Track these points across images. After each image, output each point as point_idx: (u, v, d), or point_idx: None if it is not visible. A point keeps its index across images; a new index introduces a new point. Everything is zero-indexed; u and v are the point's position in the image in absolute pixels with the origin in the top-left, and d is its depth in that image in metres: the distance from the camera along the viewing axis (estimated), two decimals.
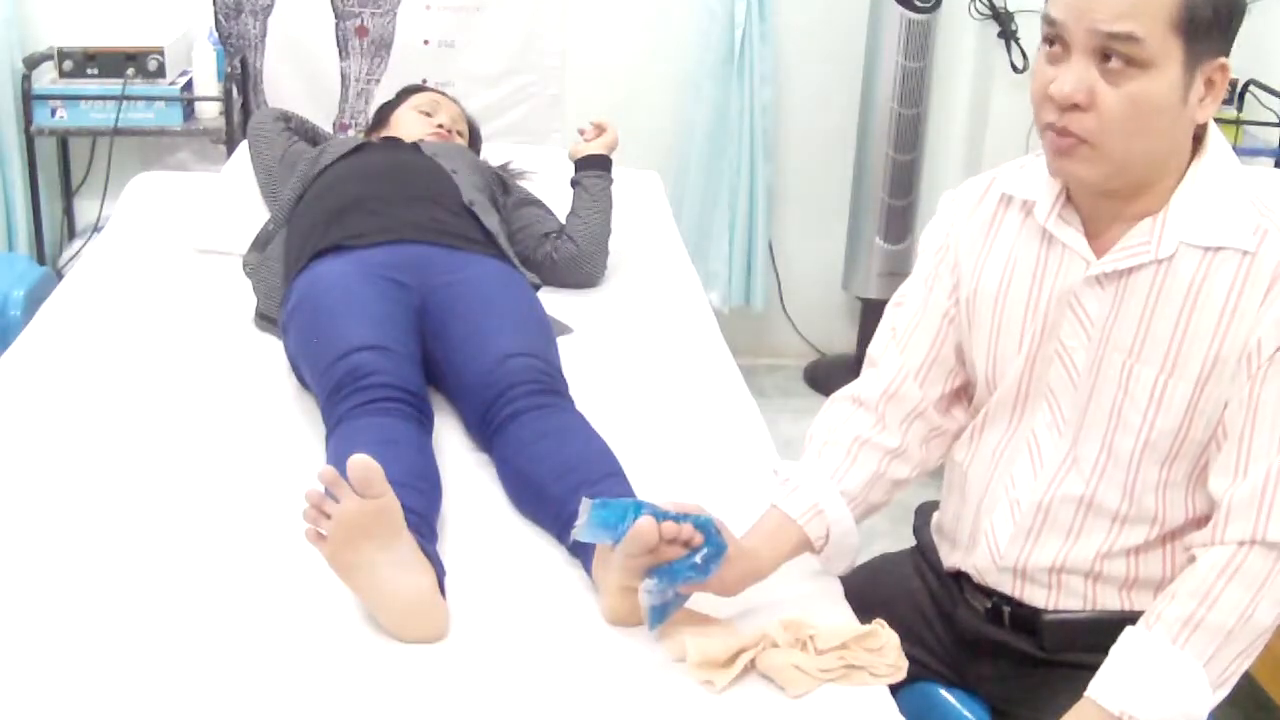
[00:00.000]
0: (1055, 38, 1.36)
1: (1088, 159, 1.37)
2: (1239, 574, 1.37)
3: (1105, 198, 1.43)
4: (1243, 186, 1.41)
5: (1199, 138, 1.42)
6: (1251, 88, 3.23)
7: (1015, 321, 1.53)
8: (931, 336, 1.61)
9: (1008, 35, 3.58)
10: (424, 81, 3.40)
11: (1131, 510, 1.49)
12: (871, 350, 1.67)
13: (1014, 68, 3.59)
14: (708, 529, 1.45)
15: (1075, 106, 1.34)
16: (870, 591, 1.67)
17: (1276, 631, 1.41)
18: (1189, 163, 1.42)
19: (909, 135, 3.61)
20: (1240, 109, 3.23)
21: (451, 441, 1.98)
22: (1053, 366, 1.50)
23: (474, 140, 2.93)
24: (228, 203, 2.75)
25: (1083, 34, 1.33)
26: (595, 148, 2.67)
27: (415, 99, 2.85)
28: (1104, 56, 1.33)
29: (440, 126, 2.76)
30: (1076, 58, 1.34)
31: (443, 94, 2.93)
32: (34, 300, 2.68)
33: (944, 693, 1.65)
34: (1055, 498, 1.51)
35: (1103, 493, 1.49)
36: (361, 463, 1.47)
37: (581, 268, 2.58)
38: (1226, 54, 1.36)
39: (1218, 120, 1.68)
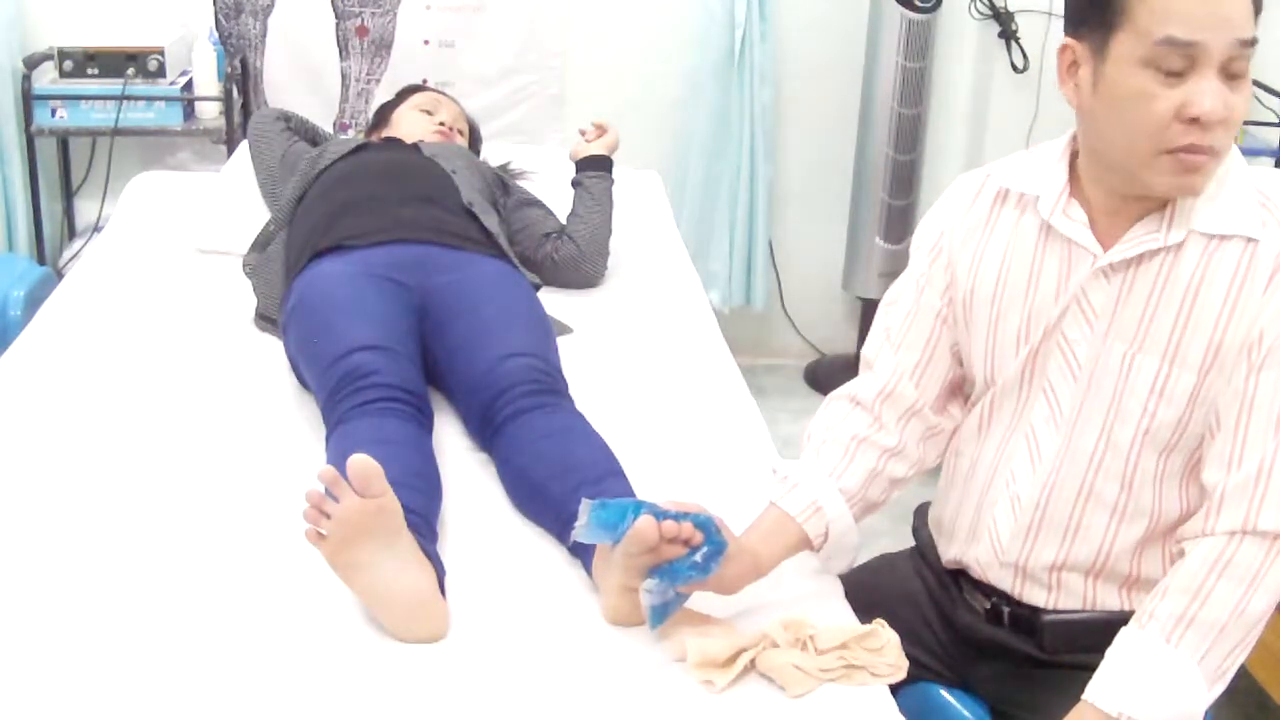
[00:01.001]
0: (1186, 58, 1.32)
1: (1209, 170, 1.37)
2: (1230, 567, 1.37)
3: (1126, 193, 1.43)
4: (1247, 178, 1.42)
5: None
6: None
7: (1013, 317, 1.53)
8: (925, 336, 1.61)
9: (1008, 35, 3.59)
10: (424, 81, 3.40)
11: (1129, 504, 1.49)
12: (866, 351, 1.67)
13: (1014, 68, 3.59)
14: (707, 527, 1.45)
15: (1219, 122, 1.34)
16: (870, 591, 1.67)
17: (1276, 631, 1.41)
18: None
19: (909, 135, 3.61)
20: None
21: (451, 441, 1.98)
22: (1052, 360, 1.50)
23: (474, 140, 2.93)
24: (228, 203, 2.75)
25: (1223, 47, 1.32)
26: (596, 148, 2.68)
27: (416, 98, 2.85)
28: (1225, 65, 1.33)
29: (442, 124, 2.76)
30: (1202, 73, 1.33)
31: (443, 94, 2.93)
32: (34, 300, 2.69)
33: (944, 693, 1.65)
34: (1053, 493, 1.51)
35: (1100, 485, 1.49)
36: (361, 462, 1.47)
37: (582, 268, 2.58)
38: None
39: None
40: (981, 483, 1.59)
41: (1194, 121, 1.33)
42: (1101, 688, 1.38)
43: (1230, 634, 1.37)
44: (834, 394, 1.68)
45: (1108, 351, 1.46)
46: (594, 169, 2.66)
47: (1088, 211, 1.47)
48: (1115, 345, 1.45)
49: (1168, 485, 1.48)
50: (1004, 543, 1.55)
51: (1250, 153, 3.20)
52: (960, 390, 1.65)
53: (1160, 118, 1.34)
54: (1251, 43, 1.33)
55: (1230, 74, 1.34)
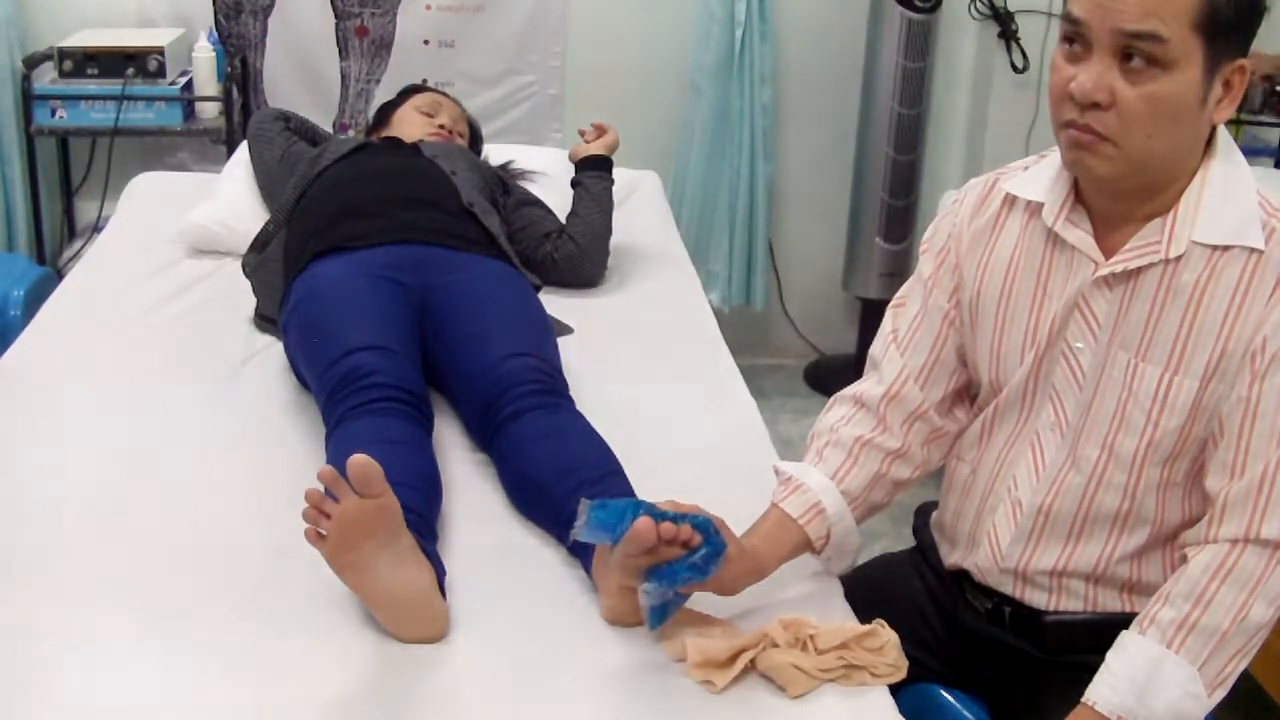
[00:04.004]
0: (1076, 36, 1.35)
1: (1108, 156, 1.37)
2: (1232, 574, 1.37)
3: (1118, 198, 1.43)
4: (1251, 186, 1.42)
5: (1208, 138, 1.42)
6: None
7: (1020, 323, 1.52)
8: (933, 338, 1.61)
9: (1008, 35, 3.59)
10: (424, 81, 3.40)
11: (1132, 512, 1.49)
12: (873, 352, 1.67)
13: (1014, 68, 3.59)
14: (706, 529, 1.45)
15: (1095, 105, 1.34)
16: (870, 591, 1.67)
17: (1275, 631, 1.41)
18: (1199, 163, 1.42)
19: (909, 135, 3.61)
20: (1240, 108, 3.23)
21: (451, 441, 1.98)
22: (1058, 367, 1.50)
23: (475, 141, 2.93)
24: (228, 203, 2.75)
25: (1105, 33, 1.32)
26: (596, 149, 2.68)
27: (416, 99, 2.85)
28: (1125, 56, 1.33)
29: (441, 127, 2.76)
30: (1098, 56, 1.34)
31: (444, 94, 2.93)
32: (34, 300, 2.68)
33: (944, 693, 1.65)
34: (1055, 500, 1.51)
35: (1103, 494, 1.49)
36: (361, 462, 1.47)
37: (582, 267, 2.58)
38: (1245, 55, 1.36)
39: None
40: (983, 489, 1.58)
41: (1073, 99, 1.36)
42: (1100, 691, 1.39)
43: (1231, 641, 1.37)
44: (839, 395, 1.68)
45: (1112, 360, 1.46)
46: (593, 169, 2.66)
47: (1091, 219, 1.47)
48: (1120, 354, 1.45)
49: (1170, 493, 1.48)
50: (1004, 548, 1.55)
51: (1250, 153, 3.19)
52: (966, 394, 1.65)
53: (1056, 90, 1.39)
54: (1146, 37, 1.31)
55: (1130, 66, 1.33)
